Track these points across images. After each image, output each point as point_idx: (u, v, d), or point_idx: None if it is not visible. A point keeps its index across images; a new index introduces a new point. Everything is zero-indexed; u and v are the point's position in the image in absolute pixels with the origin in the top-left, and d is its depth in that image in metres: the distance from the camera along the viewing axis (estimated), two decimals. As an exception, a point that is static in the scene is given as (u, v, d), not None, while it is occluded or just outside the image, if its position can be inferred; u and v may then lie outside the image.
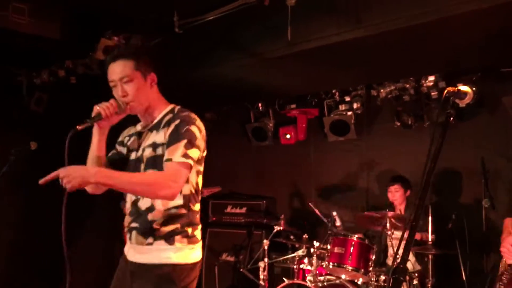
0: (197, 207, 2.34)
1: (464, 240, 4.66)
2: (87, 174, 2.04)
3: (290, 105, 6.10)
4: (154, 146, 2.27)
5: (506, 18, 3.30)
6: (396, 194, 4.86)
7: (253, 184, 6.63)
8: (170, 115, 2.32)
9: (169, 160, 2.16)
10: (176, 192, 2.17)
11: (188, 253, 2.27)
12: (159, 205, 2.24)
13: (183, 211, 2.26)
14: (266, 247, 4.78)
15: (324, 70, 4.68)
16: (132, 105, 2.28)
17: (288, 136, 6.17)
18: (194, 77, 4.83)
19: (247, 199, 6.40)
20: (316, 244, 4.29)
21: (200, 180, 2.37)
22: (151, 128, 2.34)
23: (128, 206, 2.39)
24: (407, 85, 5.08)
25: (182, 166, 2.16)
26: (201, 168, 2.37)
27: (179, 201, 2.25)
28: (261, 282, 4.59)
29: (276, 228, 4.83)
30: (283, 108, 6.17)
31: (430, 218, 4.29)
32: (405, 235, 1.70)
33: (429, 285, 4.17)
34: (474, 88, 4.46)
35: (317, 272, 4.19)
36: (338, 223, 4.57)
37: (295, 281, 4.26)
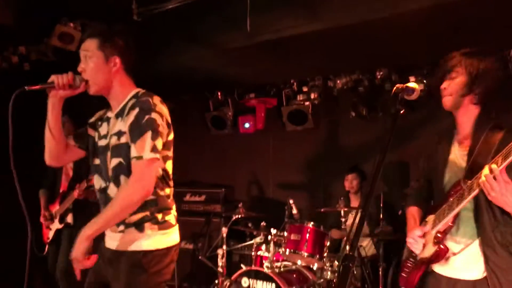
0: (166, 191, 2.36)
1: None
2: (81, 244, 2.15)
3: (249, 95, 6.16)
4: (119, 134, 2.29)
5: (457, 14, 3.46)
6: (353, 182, 5.08)
7: (212, 172, 6.67)
8: (134, 100, 2.30)
9: (140, 158, 2.17)
10: (150, 190, 2.20)
11: (159, 239, 2.30)
12: None
13: (151, 197, 2.27)
14: (224, 235, 4.84)
15: (282, 61, 4.76)
16: (89, 83, 2.30)
17: (247, 125, 6.24)
18: (153, 65, 4.79)
19: (206, 187, 6.43)
20: (273, 231, 4.39)
21: (168, 165, 2.37)
22: (117, 114, 2.35)
23: (97, 194, 2.43)
24: (362, 77, 5.24)
25: (151, 163, 2.19)
26: (169, 153, 2.38)
27: None
28: (220, 269, 4.66)
29: (235, 216, 4.90)
30: (242, 97, 6.22)
31: (381, 206, 4.49)
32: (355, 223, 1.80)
33: (380, 270, 4.37)
34: (424, 82, 4.66)
35: (274, 258, 4.30)
36: (294, 211, 4.68)
37: (253, 267, 4.35)
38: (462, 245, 2.17)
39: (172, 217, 2.38)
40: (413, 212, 2.45)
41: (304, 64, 4.95)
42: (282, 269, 4.29)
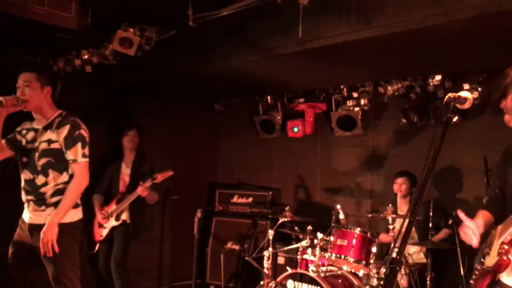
0: None
1: (463, 236, 4.77)
2: (53, 228, 3.08)
3: (299, 99, 6.20)
4: (49, 142, 3.20)
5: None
6: (402, 186, 5.05)
7: (260, 175, 6.76)
8: (60, 118, 3.25)
9: (75, 161, 3.18)
10: (87, 183, 3.24)
11: (70, 214, 3.20)
12: (51, 182, 3.20)
13: (66, 186, 3.20)
14: (270, 237, 4.91)
15: (333, 67, 4.77)
16: (27, 103, 3.16)
17: (295, 129, 6.28)
18: (205, 69, 4.93)
19: (253, 190, 6.52)
20: (319, 235, 4.42)
21: None
22: (45, 127, 3.24)
23: (22, 184, 3.26)
24: (414, 84, 5.17)
25: (84, 164, 3.22)
26: None
27: (65, 179, 3.22)
28: (265, 271, 4.72)
29: (281, 219, 4.95)
30: (292, 101, 6.27)
31: (431, 214, 4.42)
32: (403, 229, 1.82)
33: (428, 279, 4.31)
34: (478, 90, 4.57)
35: (320, 262, 4.32)
36: (341, 216, 4.69)
37: (298, 270, 4.39)
38: None
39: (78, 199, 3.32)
40: (481, 214, 2.45)
41: (355, 70, 4.94)
42: (327, 274, 4.31)
